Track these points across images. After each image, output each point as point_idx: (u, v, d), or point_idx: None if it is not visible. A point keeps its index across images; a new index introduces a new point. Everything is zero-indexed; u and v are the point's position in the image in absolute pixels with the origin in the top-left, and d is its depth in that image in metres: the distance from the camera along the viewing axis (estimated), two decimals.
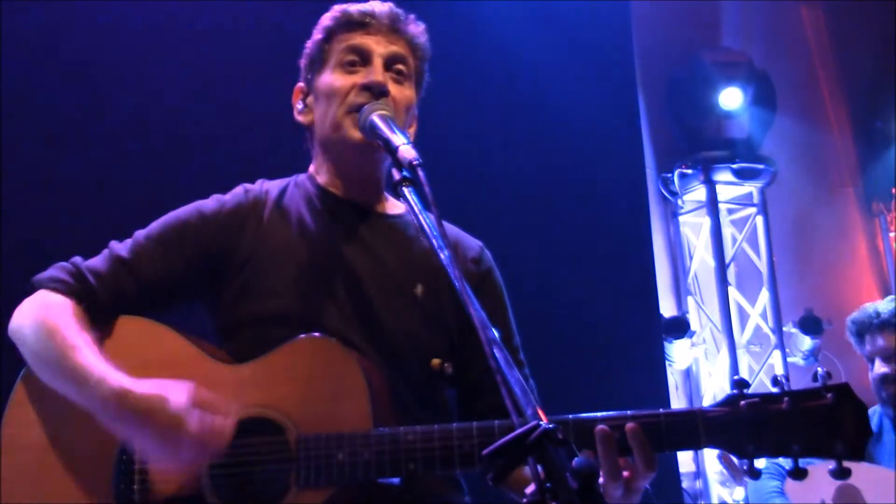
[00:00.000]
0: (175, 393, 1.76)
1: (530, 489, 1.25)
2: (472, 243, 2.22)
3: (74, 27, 3.39)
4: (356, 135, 2.02)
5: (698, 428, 1.67)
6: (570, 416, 1.73)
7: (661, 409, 1.71)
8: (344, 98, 2.05)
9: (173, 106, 3.47)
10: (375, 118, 1.93)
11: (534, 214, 4.10)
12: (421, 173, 1.72)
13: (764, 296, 6.00)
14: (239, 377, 1.89)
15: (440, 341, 2.06)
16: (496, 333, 1.41)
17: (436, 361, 2.02)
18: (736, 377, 1.75)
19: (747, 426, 1.65)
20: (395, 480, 1.81)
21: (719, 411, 1.68)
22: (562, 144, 4.25)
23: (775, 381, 1.70)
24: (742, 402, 1.67)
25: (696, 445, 1.69)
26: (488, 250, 2.24)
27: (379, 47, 2.09)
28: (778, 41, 6.56)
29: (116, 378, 1.80)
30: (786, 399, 1.65)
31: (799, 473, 1.64)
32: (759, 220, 6.07)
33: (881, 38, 6.22)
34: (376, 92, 2.02)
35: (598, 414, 1.71)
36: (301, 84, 2.20)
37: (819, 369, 1.68)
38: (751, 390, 1.70)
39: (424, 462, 1.75)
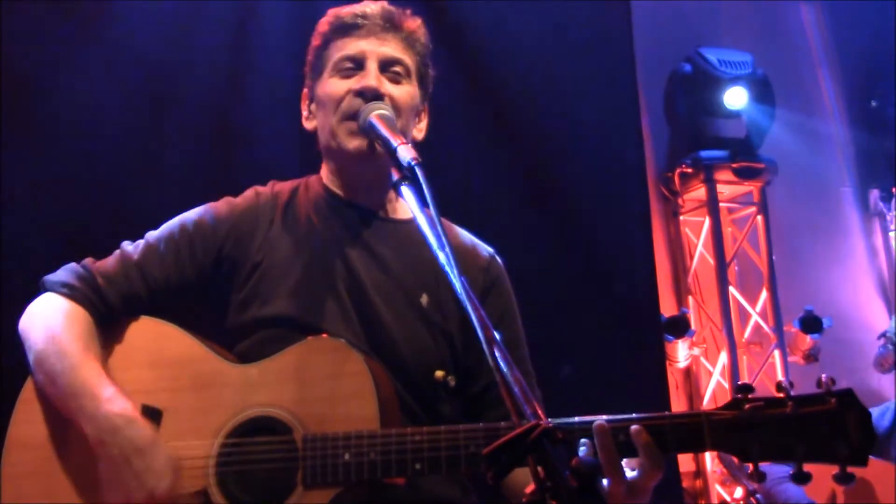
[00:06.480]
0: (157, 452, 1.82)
1: (530, 488, 1.25)
2: (483, 251, 2.21)
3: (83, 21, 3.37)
4: (352, 143, 2.02)
5: (703, 431, 1.67)
6: (577, 418, 1.73)
7: (666, 412, 1.71)
8: (338, 105, 2.05)
9: (186, 105, 3.45)
10: (374, 118, 1.93)
11: (534, 214, 4.09)
12: (420, 172, 1.73)
13: (764, 295, 6.00)
14: (246, 377, 1.90)
15: (443, 352, 2.05)
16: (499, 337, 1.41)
17: (439, 373, 2.02)
18: (739, 382, 1.74)
19: (751, 430, 1.66)
20: (401, 481, 1.81)
21: (724, 414, 1.68)
22: (562, 144, 4.24)
23: (779, 387, 1.70)
24: (746, 406, 1.67)
25: (701, 448, 1.70)
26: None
27: (372, 50, 2.07)
28: (777, 40, 6.56)
29: (110, 410, 1.84)
30: (790, 403, 1.65)
31: (802, 477, 1.64)
32: (760, 219, 6.07)
33: (880, 37, 6.22)
34: (369, 97, 2.01)
35: (603, 417, 1.70)
36: (305, 90, 2.20)
37: (823, 376, 1.68)
38: (752, 387, 1.70)
39: (430, 462, 1.75)
